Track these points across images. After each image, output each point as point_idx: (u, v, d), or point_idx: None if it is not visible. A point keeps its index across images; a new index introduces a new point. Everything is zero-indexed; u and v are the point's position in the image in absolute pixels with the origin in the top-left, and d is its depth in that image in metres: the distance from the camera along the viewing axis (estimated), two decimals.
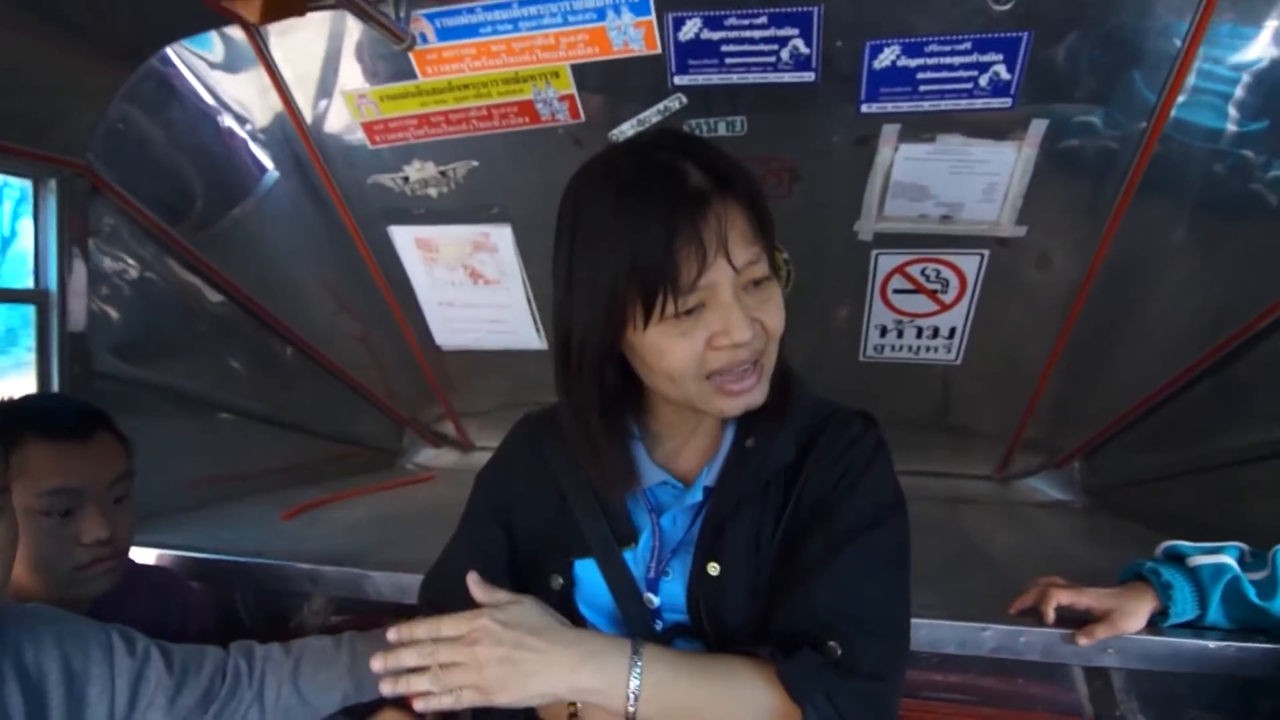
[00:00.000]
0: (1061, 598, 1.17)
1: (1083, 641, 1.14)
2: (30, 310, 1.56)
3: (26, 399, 1.22)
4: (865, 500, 0.85)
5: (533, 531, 0.95)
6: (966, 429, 2.06)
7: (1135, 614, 1.14)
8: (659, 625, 0.91)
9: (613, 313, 0.78)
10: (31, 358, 1.58)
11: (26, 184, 1.53)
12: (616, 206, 0.77)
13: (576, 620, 0.93)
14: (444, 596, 1.00)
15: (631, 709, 0.76)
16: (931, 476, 2.14)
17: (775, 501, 0.87)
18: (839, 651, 0.77)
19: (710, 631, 0.86)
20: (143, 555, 1.50)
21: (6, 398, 1.17)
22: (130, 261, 1.74)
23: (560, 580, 0.93)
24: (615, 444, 0.88)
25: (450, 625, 0.79)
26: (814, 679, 0.76)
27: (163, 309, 1.83)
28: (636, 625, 0.90)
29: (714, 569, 0.85)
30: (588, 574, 0.93)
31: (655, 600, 0.90)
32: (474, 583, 0.83)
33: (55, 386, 1.58)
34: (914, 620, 1.17)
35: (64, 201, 1.55)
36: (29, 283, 1.57)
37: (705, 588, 0.86)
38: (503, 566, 0.95)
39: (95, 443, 1.14)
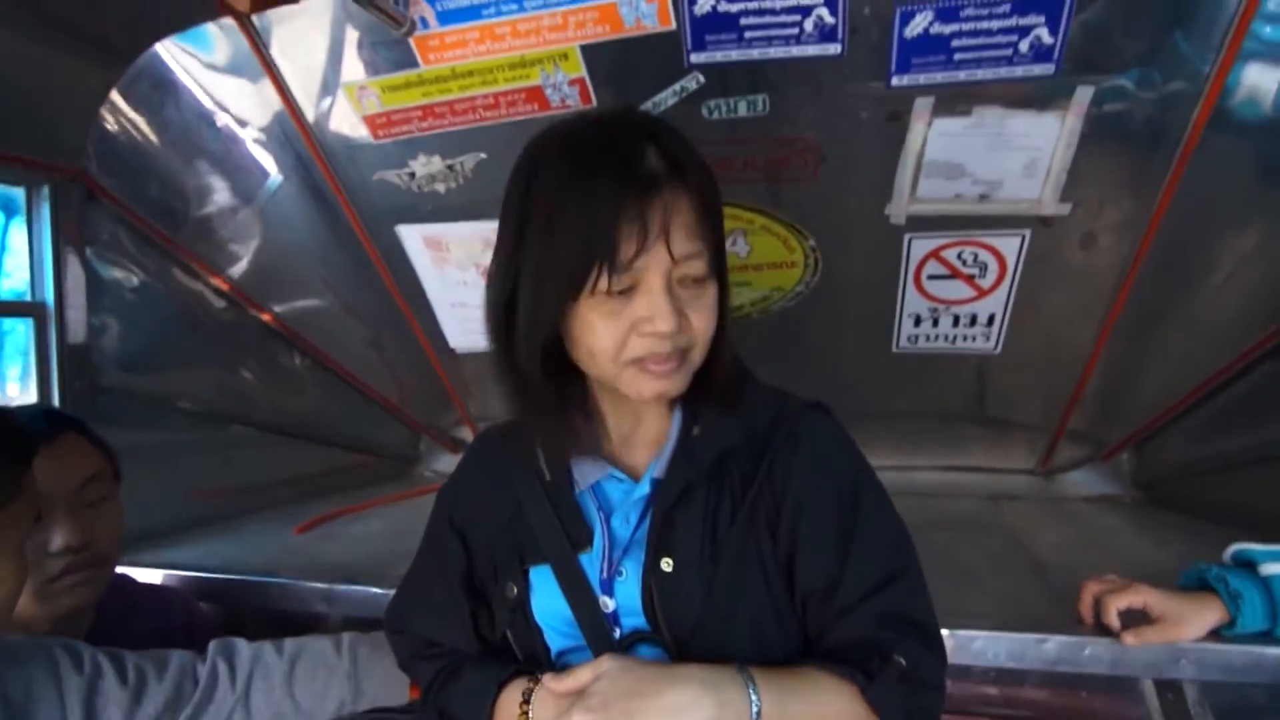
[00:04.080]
0: (1118, 602, 1.08)
1: (1128, 641, 1.06)
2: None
3: None
4: (870, 500, 0.85)
5: (489, 540, 0.92)
6: (1006, 421, 1.96)
7: (1194, 622, 1.05)
8: (617, 632, 0.87)
9: (556, 280, 0.76)
10: None
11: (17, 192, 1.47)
12: (572, 174, 0.76)
13: (531, 630, 0.91)
14: (404, 619, 1.01)
15: None
16: (970, 472, 2.04)
17: (731, 492, 0.85)
18: (904, 663, 0.78)
19: (667, 633, 0.83)
20: (148, 575, 1.45)
21: None
22: (131, 270, 1.69)
23: (515, 589, 0.89)
24: (558, 408, 0.87)
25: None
26: (898, 699, 0.77)
27: (167, 319, 1.78)
28: (593, 634, 0.86)
29: (667, 565, 0.83)
30: (543, 581, 0.89)
31: (611, 604, 0.87)
32: (550, 680, 0.82)
33: (56, 402, 1.52)
34: (966, 633, 1.11)
35: (59, 209, 1.49)
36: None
37: (660, 585, 0.83)
38: (460, 582, 0.94)
39: (58, 444, 1.09)
